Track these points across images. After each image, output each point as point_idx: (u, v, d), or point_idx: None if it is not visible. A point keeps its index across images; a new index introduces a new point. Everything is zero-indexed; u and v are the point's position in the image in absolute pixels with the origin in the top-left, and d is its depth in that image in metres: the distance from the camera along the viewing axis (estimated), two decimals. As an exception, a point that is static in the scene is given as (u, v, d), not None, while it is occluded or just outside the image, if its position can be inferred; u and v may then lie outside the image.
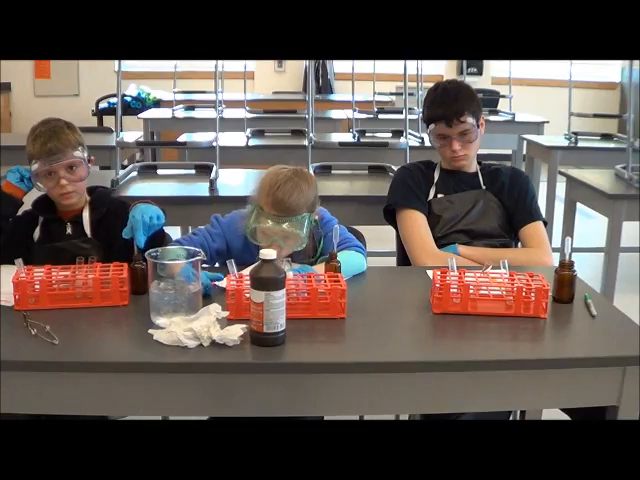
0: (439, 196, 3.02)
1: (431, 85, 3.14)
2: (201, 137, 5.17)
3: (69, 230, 2.64)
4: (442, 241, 2.92)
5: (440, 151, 3.02)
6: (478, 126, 2.96)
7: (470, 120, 2.92)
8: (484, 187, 3.02)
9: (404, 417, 2.96)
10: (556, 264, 2.37)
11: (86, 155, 2.62)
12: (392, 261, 3.40)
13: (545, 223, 3.02)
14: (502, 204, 3.00)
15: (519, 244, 3.02)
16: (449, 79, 3.29)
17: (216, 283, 2.33)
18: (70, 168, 2.58)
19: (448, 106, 2.94)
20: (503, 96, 7.59)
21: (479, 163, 3.10)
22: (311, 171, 4.15)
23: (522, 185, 3.04)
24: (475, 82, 9.11)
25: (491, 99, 8.17)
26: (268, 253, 1.96)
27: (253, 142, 5.45)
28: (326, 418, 2.47)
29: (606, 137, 5.98)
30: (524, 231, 2.97)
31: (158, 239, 2.46)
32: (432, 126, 2.97)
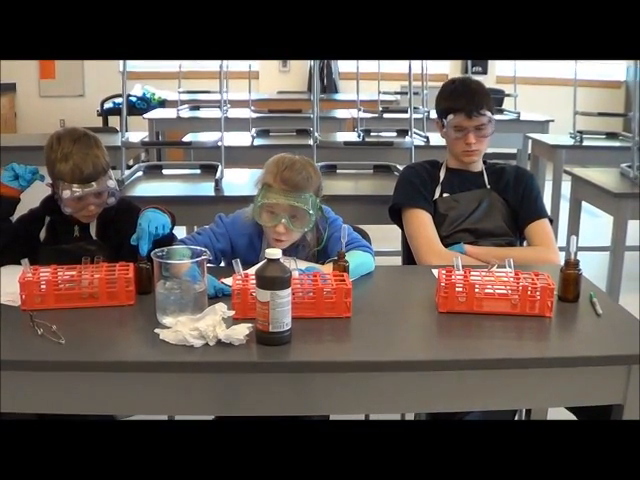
0: (445, 195, 3.03)
1: (436, 84, 3.15)
2: (206, 137, 5.17)
3: (76, 232, 2.62)
4: (448, 240, 2.93)
5: (452, 144, 3.02)
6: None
7: (489, 114, 2.95)
8: (489, 186, 3.03)
9: (410, 416, 2.96)
10: (562, 263, 2.37)
11: (114, 179, 2.59)
12: (397, 260, 3.41)
13: (551, 221, 3.03)
14: (507, 203, 3.01)
15: (525, 243, 3.02)
16: (465, 76, 3.30)
17: (223, 280, 2.33)
18: (99, 193, 2.55)
19: (470, 98, 2.97)
20: (508, 95, 7.59)
21: (484, 162, 3.10)
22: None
23: (527, 183, 3.05)
24: (480, 81, 9.10)
25: (496, 98, 8.13)
26: (274, 252, 1.97)
27: (258, 142, 5.46)
28: (332, 417, 2.48)
29: (611, 136, 5.97)
30: (529, 229, 2.97)
31: (166, 244, 2.46)
32: (451, 116, 2.97)
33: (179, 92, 7.33)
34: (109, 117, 8.51)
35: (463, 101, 2.96)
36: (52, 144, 2.53)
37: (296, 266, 2.34)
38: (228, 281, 2.30)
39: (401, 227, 3.09)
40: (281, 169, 2.49)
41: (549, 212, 3.11)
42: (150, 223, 2.37)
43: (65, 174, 2.48)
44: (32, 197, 2.67)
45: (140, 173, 4.36)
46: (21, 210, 2.64)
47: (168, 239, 2.48)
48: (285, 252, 2.31)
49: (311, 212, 2.48)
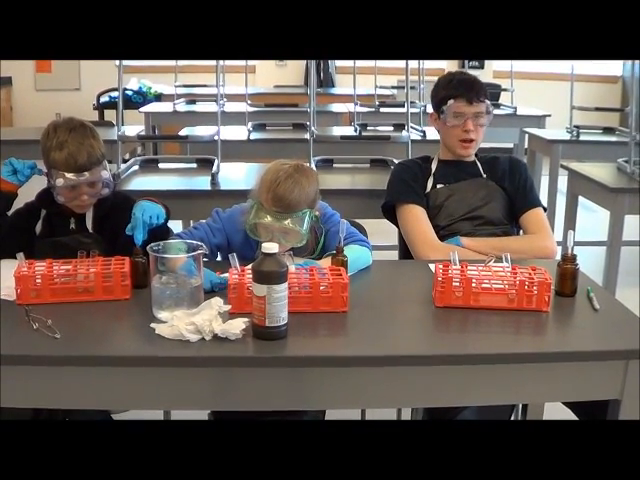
0: (439, 186, 3.04)
1: (433, 79, 3.17)
2: (202, 131, 5.16)
3: (72, 225, 2.61)
4: (445, 231, 2.94)
5: (449, 132, 3.02)
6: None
7: (487, 102, 2.99)
8: (485, 175, 3.04)
9: (406, 411, 2.96)
10: (559, 255, 2.37)
11: (109, 170, 2.59)
12: (394, 254, 3.40)
13: (545, 209, 3.06)
14: (505, 191, 3.02)
15: (521, 232, 3.03)
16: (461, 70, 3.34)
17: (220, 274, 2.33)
18: (92, 183, 2.55)
19: (470, 85, 3.01)
20: (505, 90, 7.57)
21: (475, 154, 3.12)
22: (313, 165, 4.15)
23: (522, 172, 3.09)
24: (477, 76, 9.09)
25: (493, 93, 8.11)
26: (270, 247, 1.96)
27: (254, 136, 5.45)
28: (328, 412, 2.48)
29: (608, 131, 5.97)
30: (525, 217, 3.00)
31: (161, 236, 2.46)
32: (451, 101, 2.98)
33: (175, 86, 7.30)
34: (105, 111, 8.48)
35: (463, 88, 2.99)
36: (48, 133, 2.54)
37: (292, 261, 2.33)
38: (225, 276, 2.29)
39: (395, 224, 3.10)
40: (273, 187, 2.44)
41: (546, 206, 3.13)
42: (145, 212, 2.37)
43: (59, 163, 2.48)
44: (28, 191, 2.66)
45: (136, 167, 4.35)
46: (17, 204, 2.64)
47: (163, 231, 2.48)
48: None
49: (303, 232, 2.46)
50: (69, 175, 2.48)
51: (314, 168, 4.05)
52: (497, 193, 3.02)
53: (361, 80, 6.29)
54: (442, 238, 2.90)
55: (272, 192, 2.44)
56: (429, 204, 3.00)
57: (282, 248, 2.40)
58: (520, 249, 2.74)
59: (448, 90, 3.02)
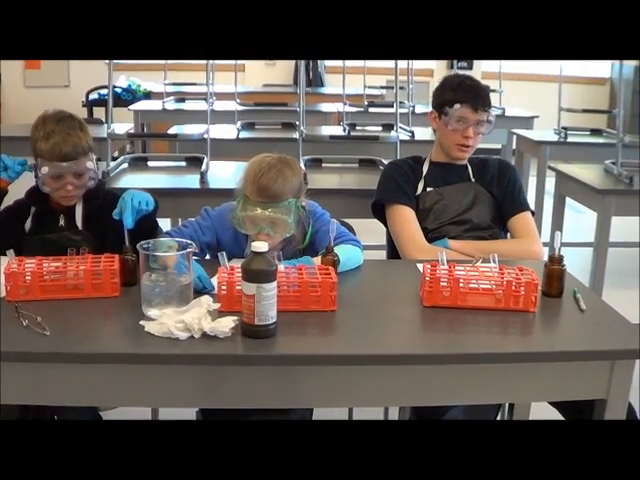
0: (429, 189, 3.04)
1: (422, 79, 3.17)
2: (192, 129, 5.16)
3: (62, 222, 2.62)
4: (434, 234, 2.95)
5: (448, 135, 3.02)
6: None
7: (490, 112, 3.00)
8: (473, 179, 3.05)
9: (393, 410, 2.97)
10: (545, 256, 2.38)
11: (95, 162, 2.60)
12: (382, 254, 3.41)
13: (533, 213, 3.07)
14: (492, 195, 3.03)
15: (508, 235, 3.05)
16: (465, 74, 3.31)
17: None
18: (78, 174, 2.56)
19: (478, 92, 3.01)
20: (493, 91, 7.51)
21: None
22: (302, 164, 4.15)
23: (510, 176, 3.10)
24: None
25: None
26: (259, 245, 1.97)
27: (244, 134, 5.45)
28: (315, 411, 2.49)
29: (595, 132, 5.99)
30: (513, 221, 3.01)
31: (149, 226, 2.47)
32: (457, 106, 2.96)
33: (165, 84, 7.29)
34: (94, 108, 8.45)
35: (471, 94, 2.99)
36: (37, 124, 2.57)
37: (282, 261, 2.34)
38: (214, 280, 2.29)
39: (384, 224, 3.11)
40: (257, 178, 2.46)
41: (533, 207, 3.14)
42: (134, 198, 2.39)
43: (45, 151, 2.51)
44: (18, 189, 2.66)
45: (125, 165, 4.35)
46: (6, 201, 2.64)
47: (151, 222, 2.50)
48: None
49: (290, 221, 2.47)
50: (54, 163, 2.50)
51: (303, 168, 4.06)
52: (485, 197, 3.03)
53: (350, 80, 6.28)
54: (430, 241, 2.91)
55: (257, 183, 2.46)
56: (418, 207, 3.01)
57: (272, 240, 2.42)
58: (507, 252, 2.73)
59: (456, 93, 3.00)
